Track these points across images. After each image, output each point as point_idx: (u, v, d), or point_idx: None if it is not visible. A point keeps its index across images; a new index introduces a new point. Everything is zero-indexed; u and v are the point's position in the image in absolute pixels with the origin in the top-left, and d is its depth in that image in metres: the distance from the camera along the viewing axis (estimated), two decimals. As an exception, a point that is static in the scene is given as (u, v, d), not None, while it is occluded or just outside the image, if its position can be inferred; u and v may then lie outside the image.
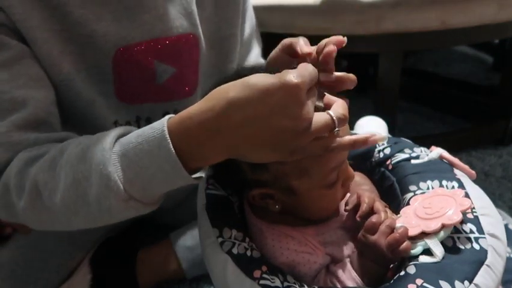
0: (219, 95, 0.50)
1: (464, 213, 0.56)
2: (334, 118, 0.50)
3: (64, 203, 0.57)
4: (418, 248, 0.55)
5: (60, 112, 0.71)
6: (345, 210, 0.63)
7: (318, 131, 0.49)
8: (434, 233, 0.54)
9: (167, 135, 0.51)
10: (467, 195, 0.59)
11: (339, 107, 0.52)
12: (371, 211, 0.60)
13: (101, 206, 0.54)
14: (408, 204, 0.62)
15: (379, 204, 0.61)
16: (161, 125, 0.52)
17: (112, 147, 0.54)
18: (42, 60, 0.69)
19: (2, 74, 0.65)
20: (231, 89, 0.49)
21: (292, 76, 0.48)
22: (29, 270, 0.86)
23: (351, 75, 0.59)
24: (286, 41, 0.64)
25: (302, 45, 0.62)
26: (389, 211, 0.61)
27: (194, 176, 0.53)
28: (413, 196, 0.63)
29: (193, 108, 0.51)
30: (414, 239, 0.55)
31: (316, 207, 0.61)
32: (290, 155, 0.50)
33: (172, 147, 0.50)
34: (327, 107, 0.52)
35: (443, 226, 0.54)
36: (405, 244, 0.55)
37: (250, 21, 0.92)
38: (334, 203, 0.62)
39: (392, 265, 0.58)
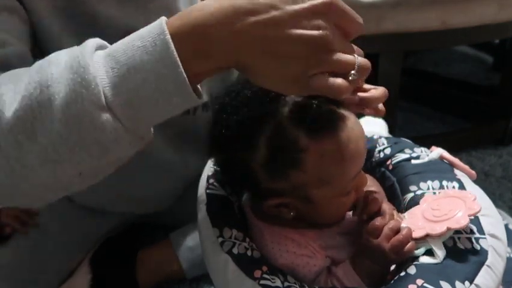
0: None
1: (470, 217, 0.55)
2: (356, 59, 0.46)
3: (19, 118, 0.44)
4: (421, 249, 0.54)
5: None
6: (353, 214, 0.62)
7: (335, 61, 0.45)
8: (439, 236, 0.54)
9: (165, 27, 0.44)
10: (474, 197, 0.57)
11: (364, 58, 0.48)
12: (378, 211, 0.60)
13: (68, 114, 0.43)
14: (417, 203, 0.61)
15: (386, 206, 0.61)
16: (159, 21, 0.46)
17: (94, 50, 0.46)
18: (41, 33, 0.67)
19: None
20: None
21: None
22: (29, 270, 0.86)
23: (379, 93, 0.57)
24: None
25: None
26: (395, 213, 0.61)
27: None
28: (420, 196, 0.62)
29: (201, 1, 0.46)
30: (419, 240, 0.55)
31: (330, 214, 0.60)
32: (297, 81, 0.45)
33: (170, 39, 0.43)
34: None
35: (448, 229, 0.54)
36: (410, 245, 0.55)
37: None
38: (347, 208, 0.61)
39: (393, 266, 0.58)
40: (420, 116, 1.53)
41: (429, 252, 0.54)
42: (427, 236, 0.55)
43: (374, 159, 0.74)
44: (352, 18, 0.47)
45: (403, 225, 0.57)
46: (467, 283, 0.50)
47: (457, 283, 0.50)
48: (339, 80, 0.45)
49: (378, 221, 0.57)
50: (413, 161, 0.69)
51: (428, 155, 0.69)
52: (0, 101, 0.45)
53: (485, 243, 0.54)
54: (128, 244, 0.96)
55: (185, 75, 0.44)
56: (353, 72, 0.46)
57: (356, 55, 0.47)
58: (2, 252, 0.86)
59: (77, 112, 0.43)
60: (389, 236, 0.56)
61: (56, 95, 0.43)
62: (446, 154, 0.68)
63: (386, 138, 0.75)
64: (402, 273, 0.53)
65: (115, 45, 0.46)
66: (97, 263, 0.91)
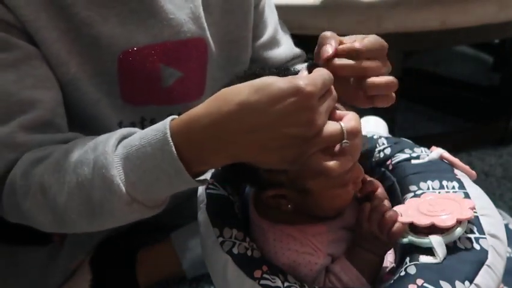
0: (226, 96, 0.49)
1: (459, 221, 0.55)
2: (344, 129, 0.49)
3: (68, 206, 0.57)
4: (405, 239, 0.56)
5: (67, 112, 0.71)
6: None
7: (326, 139, 0.49)
8: (442, 232, 0.54)
9: (170, 138, 0.50)
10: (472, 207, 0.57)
11: (350, 119, 0.51)
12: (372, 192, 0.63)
13: (105, 209, 0.55)
14: (418, 196, 0.62)
15: (381, 193, 0.63)
16: (164, 127, 0.51)
17: (115, 150, 0.54)
18: (50, 60, 0.69)
19: (10, 75, 0.64)
20: (240, 92, 0.48)
21: (304, 83, 0.47)
22: (33, 271, 0.86)
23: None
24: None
25: (326, 51, 0.56)
26: (387, 201, 0.63)
27: (198, 178, 0.53)
28: (423, 193, 0.62)
29: (198, 110, 0.50)
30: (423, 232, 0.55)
31: (327, 206, 0.61)
32: (292, 163, 0.50)
33: (174, 150, 0.50)
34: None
35: (433, 225, 0.54)
36: (398, 225, 0.56)
37: (271, 18, 0.91)
38: (346, 201, 0.62)
39: (393, 266, 0.58)
40: (420, 116, 1.54)
41: (430, 252, 0.54)
42: (411, 224, 0.56)
43: (374, 159, 0.74)
44: (328, 85, 0.50)
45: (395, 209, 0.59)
46: (467, 283, 0.50)
47: (457, 283, 0.50)
48: (332, 163, 0.50)
49: (366, 205, 0.60)
50: (413, 161, 0.69)
51: (428, 155, 0.69)
52: (51, 191, 0.58)
53: (485, 243, 0.54)
54: (128, 244, 0.96)
55: (190, 177, 0.51)
56: (344, 141, 0.49)
57: (341, 123, 0.50)
58: (16, 253, 0.87)
59: (111, 208, 0.54)
60: (376, 219, 0.58)
61: (93, 193, 0.55)
62: (446, 154, 0.68)
63: (386, 138, 0.75)
64: (402, 273, 0.53)
65: (130, 146, 0.54)
66: (97, 263, 0.91)
